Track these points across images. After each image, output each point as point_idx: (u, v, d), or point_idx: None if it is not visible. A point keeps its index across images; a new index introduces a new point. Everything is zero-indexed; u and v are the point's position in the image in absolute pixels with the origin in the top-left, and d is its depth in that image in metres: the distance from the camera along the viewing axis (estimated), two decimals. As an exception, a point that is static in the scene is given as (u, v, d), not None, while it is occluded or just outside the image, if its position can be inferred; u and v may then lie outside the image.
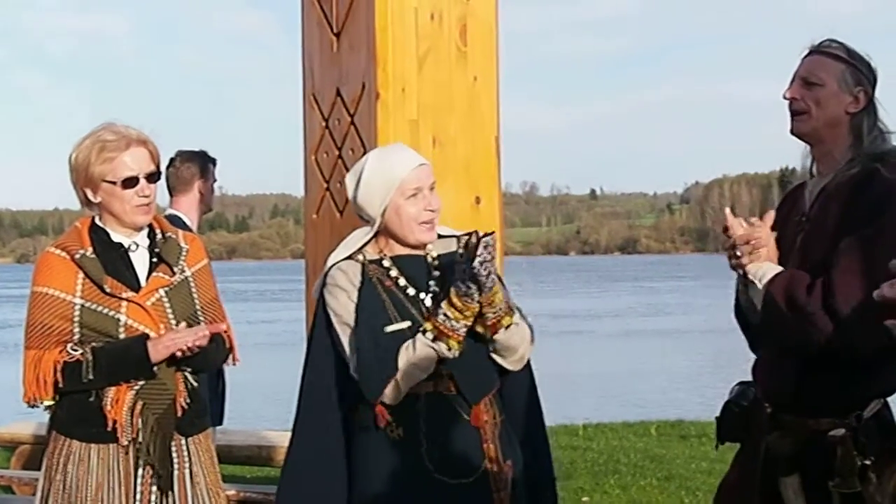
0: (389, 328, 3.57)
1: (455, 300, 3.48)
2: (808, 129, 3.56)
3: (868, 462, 3.29)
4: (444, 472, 3.56)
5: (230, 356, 4.07)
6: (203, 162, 6.10)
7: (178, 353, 3.76)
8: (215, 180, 6.16)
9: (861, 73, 3.54)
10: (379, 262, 3.70)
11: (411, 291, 3.65)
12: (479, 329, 3.55)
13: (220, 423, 6.03)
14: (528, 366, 3.77)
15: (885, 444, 3.38)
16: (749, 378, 3.71)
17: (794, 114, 3.57)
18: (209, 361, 3.99)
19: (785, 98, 3.58)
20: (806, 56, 3.60)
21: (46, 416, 4.01)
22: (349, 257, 3.70)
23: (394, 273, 3.67)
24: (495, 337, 3.57)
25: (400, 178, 3.64)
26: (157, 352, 3.74)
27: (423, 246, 3.71)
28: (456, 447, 3.58)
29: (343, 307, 3.63)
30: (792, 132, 3.61)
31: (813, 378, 3.41)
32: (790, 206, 3.70)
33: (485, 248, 3.41)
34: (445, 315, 3.49)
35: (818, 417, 3.41)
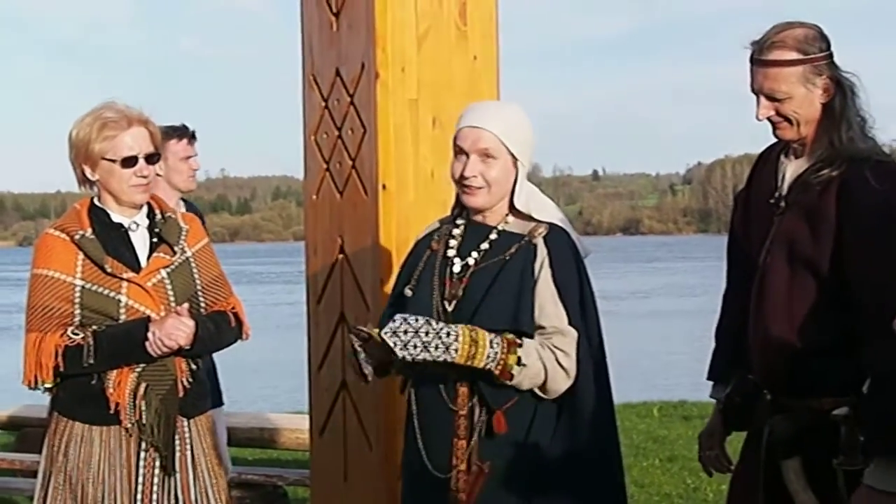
0: (406, 291, 3.62)
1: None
2: (793, 136, 3.48)
3: None
4: (430, 457, 3.52)
5: (241, 332, 4.06)
6: (166, 136, 5.40)
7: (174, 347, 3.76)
8: (193, 155, 5.79)
9: (817, 59, 3.41)
10: (454, 220, 3.67)
11: (451, 253, 3.60)
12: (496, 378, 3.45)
13: (221, 403, 5.99)
14: (597, 382, 3.56)
15: None
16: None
17: (775, 124, 3.49)
18: (218, 344, 4.00)
19: (759, 120, 3.47)
20: (752, 64, 3.46)
21: (48, 399, 4.00)
22: (454, 209, 3.70)
23: (457, 231, 3.63)
24: (512, 382, 3.45)
25: (455, 132, 3.58)
26: (153, 350, 3.73)
27: (481, 213, 3.60)
28: (437, 436, 3.53)
29: (404, 262, 3.74)
30: (778, 139, 3.55)
31: (810, 362, 3.42)
32: (760, 179, 3.65)
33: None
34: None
35: (819, 398, 3.40)
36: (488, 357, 3.40)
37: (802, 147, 3.50)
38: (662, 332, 26.27)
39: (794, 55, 3.40)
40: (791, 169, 3.53)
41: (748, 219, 3.68)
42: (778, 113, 3.45)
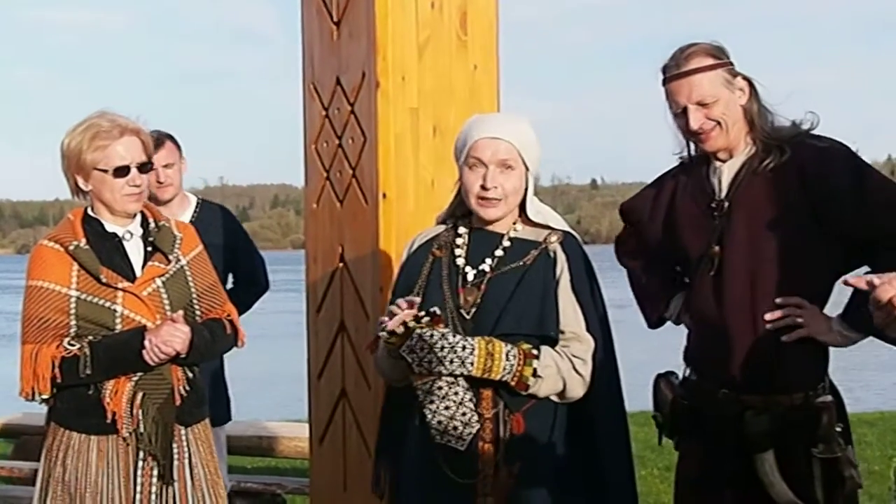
0: (413, 299, 3.54)
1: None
2: (723, 142, 3.62)
3: (839, 428, 3.45)
4: (446, 462, 3.47)
5: (236, 339, 4.06)
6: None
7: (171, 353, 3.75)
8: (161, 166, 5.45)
9: (729, 63, 3.61)
10: (456, 228, 3.64)
11: (460, 262, 3.57)
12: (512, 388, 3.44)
13: (229, 418, 5.94)
14: (610, 388, 3.57)
15: (842, 410, 3.55)
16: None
17: (705, 134, 3.60)
18: (213, 352, 4.00)
19: (692, 129, 3.60)
20: (672, 82, 3.60)
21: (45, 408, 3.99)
22: (448, 218, 3.67)
23: (461, 241, 3.60)
24: (528, 392, 3.44)
25: (469, 144, 3.53)
26: (150, 358, 3.72)
27: (491, 223, 3.58)
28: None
29: (400, 271, 3.69)
30: (708, 150, 3.64)
31: (781, 361, 3.52)
32: (687, 190, 3.74)
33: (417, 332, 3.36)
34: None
35: (790, 393, 3.53)
36: (504, 370, 3.39)
37: (728, 152, 3.64)
38: (659, 341, 26.22)
39: (711, 60, 3.60)
40: (727, 171, 3.65)
41: (674, 224, 3.77)
42: (708, 118, 3.58)
